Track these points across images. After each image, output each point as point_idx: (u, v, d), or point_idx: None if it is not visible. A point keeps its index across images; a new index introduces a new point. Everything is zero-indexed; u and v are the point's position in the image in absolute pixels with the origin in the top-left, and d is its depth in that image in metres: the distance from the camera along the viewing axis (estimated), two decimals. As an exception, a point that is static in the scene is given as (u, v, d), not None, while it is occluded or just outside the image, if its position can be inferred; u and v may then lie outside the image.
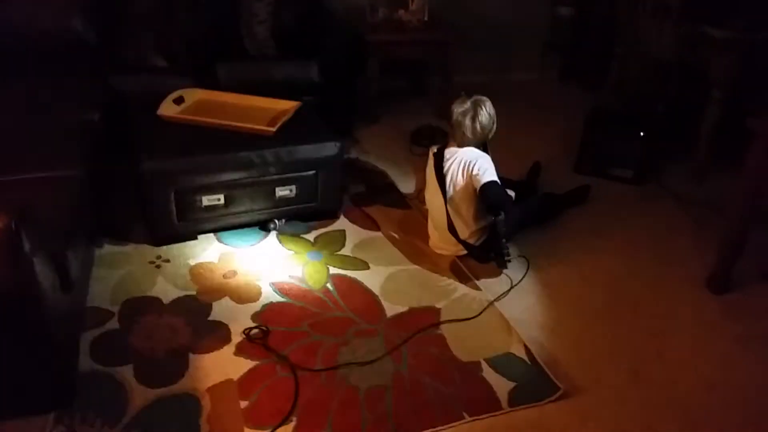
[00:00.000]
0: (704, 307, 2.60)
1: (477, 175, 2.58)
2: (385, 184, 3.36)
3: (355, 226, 2.97)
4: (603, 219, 3.16)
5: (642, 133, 3.36)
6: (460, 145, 2.69)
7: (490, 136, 2.72)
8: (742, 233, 2.50)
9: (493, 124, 2.69)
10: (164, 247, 2.73)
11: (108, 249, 2.71)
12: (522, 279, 2.67)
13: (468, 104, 2.65)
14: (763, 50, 3.19)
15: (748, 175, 2.38)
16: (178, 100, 3.04)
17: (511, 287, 2.62)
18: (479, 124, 2.63)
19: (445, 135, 3.01)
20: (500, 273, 2.71)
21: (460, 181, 2.64)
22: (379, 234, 2.93)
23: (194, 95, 3.13)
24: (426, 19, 4.06)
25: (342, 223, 2.98)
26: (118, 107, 3.16)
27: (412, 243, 2.87)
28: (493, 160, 2.74)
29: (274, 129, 2.81)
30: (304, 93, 3.41)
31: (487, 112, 2.64)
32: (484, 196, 2.59)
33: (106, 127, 3.01)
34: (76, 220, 2.24)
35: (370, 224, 2.99)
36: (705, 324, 2.51)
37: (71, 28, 3.43)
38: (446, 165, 2.68)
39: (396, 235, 2.92)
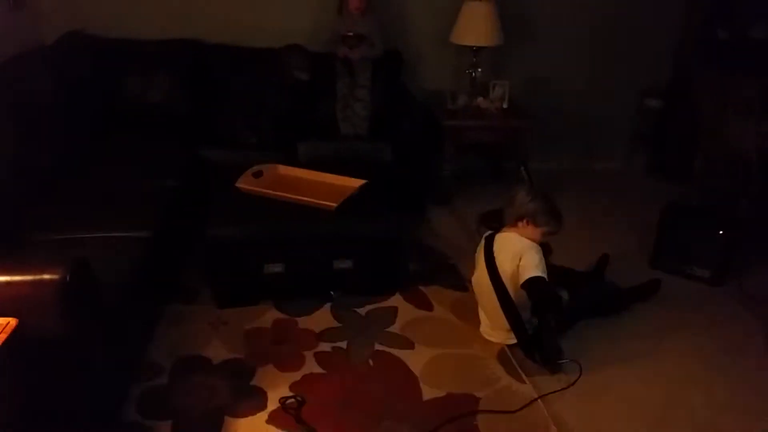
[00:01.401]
0: (774, 427, 2.36)
1: (524, 266, 2.55)
2: (447, 265, 3.37)
3: (408, 304, 2.99)
4: (672, 320, 2.98)
5: (721, 232, 3.18)
6: (507, 226, 2.68)
7: (539, 226, 2.65)
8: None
9: (538, 212, 2.62)
10: (225, 310, 2.88)
11: (175, 307, 2.89)
12: (574, 383, 2.53)
13: (521, 188, 2.67)
14: None
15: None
16: (257, 174, 3.25)
17: (561, 389, 2.50)
18: (517, 201, 2.64)
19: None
20: (551, 368, 2.61)
21: (508, 268, 2.61)
22: (431, 314, 2.93)
23: (273, 170, 3.33)
24: (505, 106, 4.14)
25: (396, 300, 3.02)
26: (205, 177, 3.43)
27: (463, 327, 2.85)
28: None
29: (336, 204, 2.94)
30: (378, 171, 3.56)
31: (529, 198, 2.63)
32: (528, 291, 2.54)
33: (191, 195, 3.28)
34: (140, 278, 2.43)
35: (424, 304, 3.00)
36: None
37: (173, 103, 3.80)
38: (496, 250, 2.67)
39: (448, 317, 2.92)
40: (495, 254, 2.67)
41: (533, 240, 2.67)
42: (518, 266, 2.57)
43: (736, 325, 2.97)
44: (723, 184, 3.63)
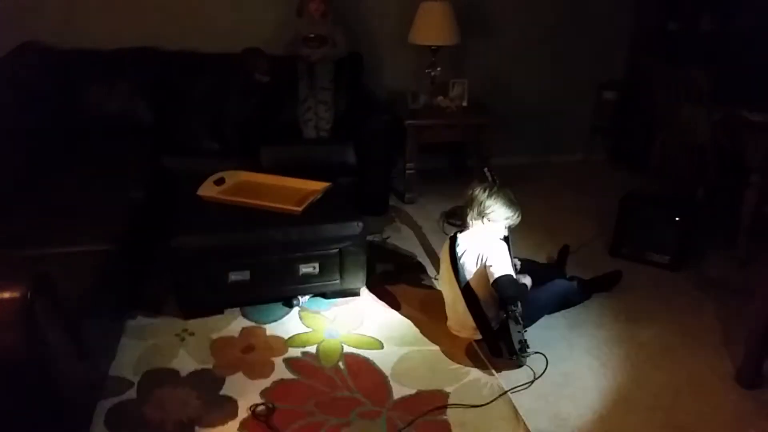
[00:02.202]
0: (732, 402, 2.45)
1: (490, 267, 2.58)
2: (413, 263, 3.40)
3: (376, 305, 3.01)
4: (633, 306, 3.06)
5: (678, 219, 3.27)
6: (468, 225, 2.72)
7: (499, 220, 2.70)
8: (769, 326, 2.37)
9: (497, 207, 2.67)
10: (191, 320, 2.86)
11: (139, 320, 2.86)
12: (540, 376, 2.57)
13: (478, 186, 2.70)
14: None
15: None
16: (219, 181, 3.23)
17: (529, 382, 2.53)
18: (475, 200, 2.67)
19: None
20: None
21: (472, 268, 2.64)
22: (398, 313, 2.96)
23: (235, 176, 3.30)
24: (465, 104, 4.18)
25: (363, 301, 3.04)
26: (167, 186, 3.40)
27: (431, 324, 2.88)
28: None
29: (301, 209, 2.94)
30: (341, 173, 3.58)
31: (487, 195, 2.67)
32: (497, 291, 2.57)
33: (153, 205, 3.25)
34: (102, 292, 2.40)
35: (392, 303, 3.03)
36: (732, 420, 2.36)
37: (133, 112, 3.77)
38: (459, 250, 2.70)
39: (415, 315, 2.94)
40: (458, 253, 2.70)
41: (496, 234, 2.71)
42: (484, 266, 2.60)
43: (694, 309, 3.06)
44: (680, 172, 3.73)
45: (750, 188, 3.20)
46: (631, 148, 4.61)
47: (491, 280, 2.58)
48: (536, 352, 2.63)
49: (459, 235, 2.76)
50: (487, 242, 2.66)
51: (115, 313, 2.66)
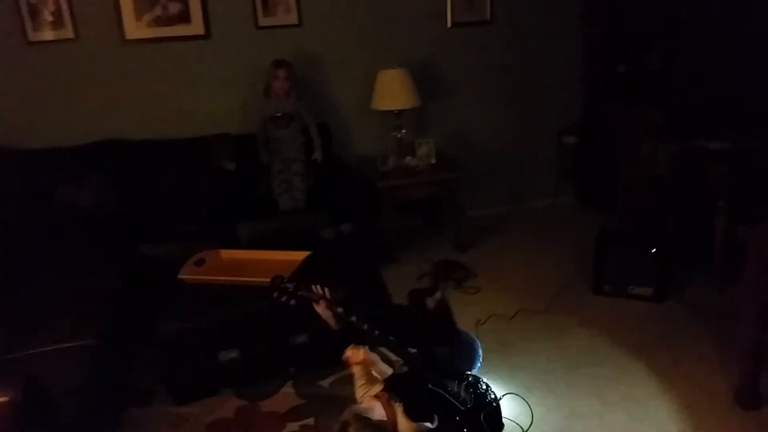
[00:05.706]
0: (734, 425, 2.45)
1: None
2: (402, 323, 3.38)
3: (370, 369, 2.97)
4: (625, 341, 3.08)
5: (654, 250, 3.34)
6: None
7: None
8: (759, 342, 2.40)
9: None
10: (184, 406, 2.79)
11: (132, 412, 2.78)
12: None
13: None
14: (757, 157, 3.25)
15: (748, 283, 2.34)
16: (200, 262, 3.22)
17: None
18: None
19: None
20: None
21: None
22: (394, 375, 2.92)
23: (215, 256, 3.30)
24: (434, 161, 4.28)
25: (357, 366, 3.00)
26: (147, 273, 3.37)
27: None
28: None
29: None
30: (321, 241, 3.60)
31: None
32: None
33: (134, 293, 3.21)
34: (91, 388, 2.34)
35: (386, 366, 2.99)
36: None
37: (107, 204, 3.76)
38: None
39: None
40: None
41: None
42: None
43: (684, 337, 3.10)
44: (646, 205, 3.84)
45: (717, 214, 3.30)
46: (596, 188, 4.74)
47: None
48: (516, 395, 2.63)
49: None
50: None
51: (107, 408, 2.59)
